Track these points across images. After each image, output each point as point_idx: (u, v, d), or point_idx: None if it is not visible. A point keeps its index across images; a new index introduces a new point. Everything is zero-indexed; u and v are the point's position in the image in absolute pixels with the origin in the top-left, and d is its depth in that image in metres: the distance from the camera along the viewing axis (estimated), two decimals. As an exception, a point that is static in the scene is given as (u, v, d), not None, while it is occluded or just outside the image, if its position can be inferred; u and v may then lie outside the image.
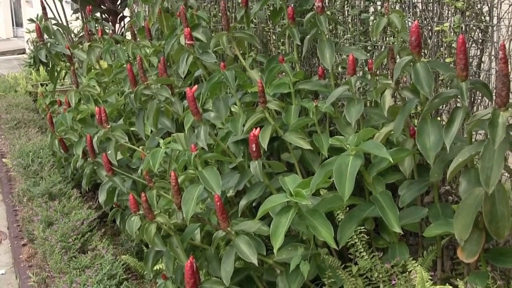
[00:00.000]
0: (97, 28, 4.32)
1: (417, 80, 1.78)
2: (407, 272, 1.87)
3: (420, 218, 1.97)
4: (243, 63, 2.70)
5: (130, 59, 3.86)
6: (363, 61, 2.63)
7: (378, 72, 2.41)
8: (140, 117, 3.01)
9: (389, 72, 1.97)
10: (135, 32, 3.78)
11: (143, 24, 3.93)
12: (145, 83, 2.75)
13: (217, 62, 2.94)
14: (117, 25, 6.92)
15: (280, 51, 3.33)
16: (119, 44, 4.00)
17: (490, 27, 2.14)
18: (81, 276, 2.65)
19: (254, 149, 2.08)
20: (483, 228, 1.77)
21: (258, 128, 2.12)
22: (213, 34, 3.15)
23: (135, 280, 2.99)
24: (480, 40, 2.18)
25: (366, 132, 1.85)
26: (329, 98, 2.18)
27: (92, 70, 4.08)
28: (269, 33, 3.47)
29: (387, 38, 2.55)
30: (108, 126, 2.74)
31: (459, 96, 1.70)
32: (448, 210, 1.95)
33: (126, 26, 6.67)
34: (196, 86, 2.29)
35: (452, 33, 2.13)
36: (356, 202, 2.02)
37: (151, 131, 3.09)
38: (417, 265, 1.88)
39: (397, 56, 2.10)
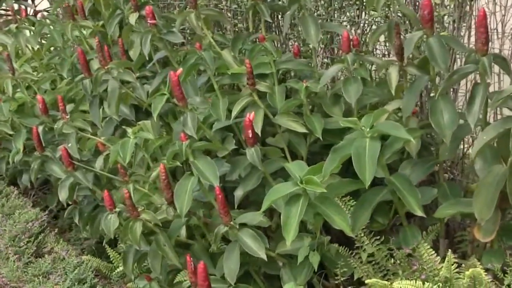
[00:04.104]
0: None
1: (432, 56, 1.70)
2: (420, 256, 1.80)
3: (431, 199, 1.90)
4: (213, 44, 2.53)
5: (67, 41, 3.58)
6: (339, 37, 2.53)
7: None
8: (94, 105, 2.76)
9: (392, 48, 1.88)
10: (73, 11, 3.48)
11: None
12: (106, 67, 2.51)
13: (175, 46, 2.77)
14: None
15: (237, 30, 3.18)
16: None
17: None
18: (46, 284, 2.41)
19: (250, 135, 1.94)
20: (499, 206, 1.73)
21: (253, 113, 1.98)
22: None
23: (99, 281, 2.77)
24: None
25: (379, 113, 1.75)
26: (322, 78, 2.07)
27: (24, 55, 3.74)
28: (223, 10, 3.29)
29: (365, 14, 2.46)
30: (67, 117, 2.49)
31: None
32: (456, 189, 1.91)
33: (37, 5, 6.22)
34: (180, 69, 2.10)
35: (445, 7, 2.07)
36: (360, 186, 1.92)
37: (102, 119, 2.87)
38: (428, 247, 1.81)
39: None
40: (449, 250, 1.68)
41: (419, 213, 1.72)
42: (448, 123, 1.71)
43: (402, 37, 1.87)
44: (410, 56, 1.94)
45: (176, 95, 2.02)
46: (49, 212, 3.32)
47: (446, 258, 1.64)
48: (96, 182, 2.66)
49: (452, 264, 1.65)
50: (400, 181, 1.78)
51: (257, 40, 2.82)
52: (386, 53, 2.70)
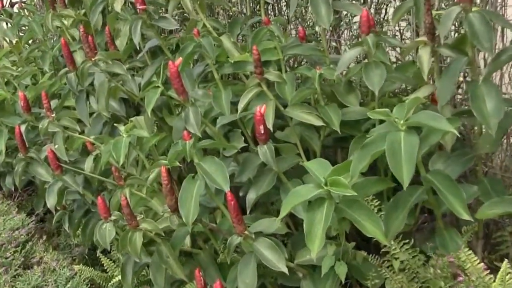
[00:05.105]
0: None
1: (473, 34, 1.48)
2: (463, 263, 1.59)
3: (473, 198, 1.68)
4: (210, 30, 2.28)
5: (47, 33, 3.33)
6: (349, 18, 2.31)
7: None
8: (81, 100, 2.51)
9: (423, 27, 1.65)
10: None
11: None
12: (93, 59, 2.26)
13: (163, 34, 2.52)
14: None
15: (231, 14, 2.94)
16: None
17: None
18: (36, 300, 2.18)
19: (262, 131, 1.71)
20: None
21: (264, 105, 1.75)
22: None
23: (95, 293, 2.55)
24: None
25: (413, 102, 1.52)
26: (340, 64, 1.83)
27: (2, 49, 3.48)
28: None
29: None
30: (52, 115, 2.23)
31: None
32: (498, 186, 1.69)
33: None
34: (180, 58, 1.86)
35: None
36: (389, 185, 1.70)
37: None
38: (470, 253, 1.59)
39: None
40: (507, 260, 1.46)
41: (465, 216, 1.49)
42: (493, 111, 1.49)
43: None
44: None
45: (175, 88, 1.78)
46: (35, 216, 3.09)
47: (502, 268, 1.43)
48: (86, 186, 2.42)
49: (507, 274, 1.43)
50: (439, 179, 1.55)
51: (255, 24, 2.60)
52: (398, 34, 2.49)
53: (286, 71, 2.09)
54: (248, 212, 1.83)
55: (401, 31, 2.45)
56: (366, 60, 2.24)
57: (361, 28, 1.80)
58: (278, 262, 1.60)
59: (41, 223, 3.31)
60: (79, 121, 2.49)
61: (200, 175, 1.68)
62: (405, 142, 1.45)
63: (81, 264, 2.56)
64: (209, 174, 1.66)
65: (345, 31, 2.55)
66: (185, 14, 3.13)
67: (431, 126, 1.46)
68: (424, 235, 1.98)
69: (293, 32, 2.70)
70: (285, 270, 1.59)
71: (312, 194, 1.52)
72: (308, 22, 2.53)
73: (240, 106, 1.86)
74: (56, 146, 2.24)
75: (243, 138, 1.96)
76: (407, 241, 1.73)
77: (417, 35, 2.12)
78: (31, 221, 2.86)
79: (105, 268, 2.55)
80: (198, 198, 1.67)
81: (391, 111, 1.52)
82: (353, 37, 2.48)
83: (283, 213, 1.55)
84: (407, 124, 1.47)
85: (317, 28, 2.28)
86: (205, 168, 1.67)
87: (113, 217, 1.89)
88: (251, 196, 1.82)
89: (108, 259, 2.56)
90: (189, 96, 1.81)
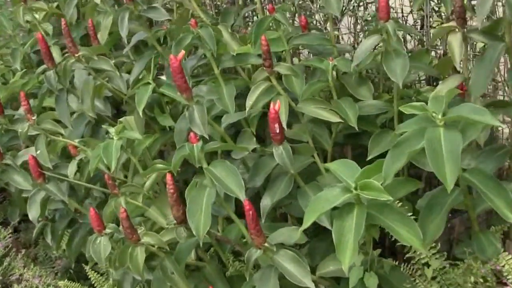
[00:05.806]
0: None
1: (515, 17, 1.34)
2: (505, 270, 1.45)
3: (509, 196, 1.53)
4: (205, 20, 2.10)
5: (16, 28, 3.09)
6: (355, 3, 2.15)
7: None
8: (62, 100, 2.29)
9: (454, 11, 1.50)
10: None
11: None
12: (76, 55, 2.05)
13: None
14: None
15: (221, 3, 2.77)
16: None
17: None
18: (21, 323, 1.97)
19: (277, 131, 1.53)
20: None
21: (278, 102, 1.57)
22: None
23: (83, 311, 2.34)
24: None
25: (449, 94, 1.37)
26: (357, 54, 1.67)
27: (-32, 46, 3.23)
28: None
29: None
30: (33, 118, 2.02)
31: None
32: (536, 183, 1.55)
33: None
34: (183, 52, 1.67)
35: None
36: (419, 186, 1.56)
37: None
38: (510, 258, 1.46)
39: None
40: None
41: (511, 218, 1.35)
42: (536, 103, 1.35)
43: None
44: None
45: (178, 85, 1.59)
46: (7, 225, 2.85)
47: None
48: (70, 193, 2.20)
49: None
50: (480, 178, 1.40)
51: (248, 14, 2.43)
52: (403, 22, 2.36)
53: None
54: (263, 221, 1.66)
55: (404, 18, 2.32)
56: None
57: (380, 14, 1.64)
58: (303, 277, 1.43)
59: (15, 234, 3.08)
60: (57, 122, 2.28)
61: (210, 182, 1.50)
62: (445, 139, 1.30)
63: (65, 280, 2.35)
64: (220, 180, 1.48)
65: (344, 19, 2.39)
66: (167, 5, 2.94)
67: (474, 120, 1.31)
68: (445, 235, 1.85)
69: (290, 21, 2.54)
70: (312, 286, 1.43)
71: (340, 200, 1.36)
72: (307, 10, 2.37)
73: (249, 103, 1.69)
74: (38, 152, 2.03)
75: (254, 139, 1.78)
76: (433, 245, 1.59)
77: (426, 18, 1.99)
78: (8, 234, 2.63)
79: (93, 282, 2.35)
80: (210, 207, 1.49)
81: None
82: (357, 25, 2.33)
83: (308, 221, 1.38)
84: (446, 119, 1.31)
85: (317, 16, 2.12)
86: (215, 174, 1.50)
87: (108, 230, 1.70)
88: (266, 203, 1.65)
89: (95, 272, 2.35)
90: (193, 94, 1.62)
